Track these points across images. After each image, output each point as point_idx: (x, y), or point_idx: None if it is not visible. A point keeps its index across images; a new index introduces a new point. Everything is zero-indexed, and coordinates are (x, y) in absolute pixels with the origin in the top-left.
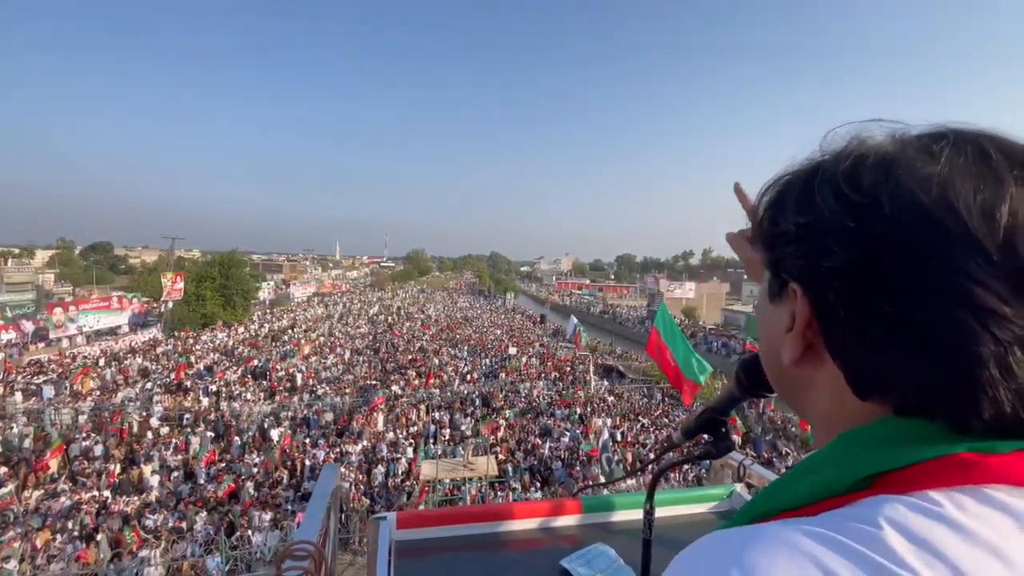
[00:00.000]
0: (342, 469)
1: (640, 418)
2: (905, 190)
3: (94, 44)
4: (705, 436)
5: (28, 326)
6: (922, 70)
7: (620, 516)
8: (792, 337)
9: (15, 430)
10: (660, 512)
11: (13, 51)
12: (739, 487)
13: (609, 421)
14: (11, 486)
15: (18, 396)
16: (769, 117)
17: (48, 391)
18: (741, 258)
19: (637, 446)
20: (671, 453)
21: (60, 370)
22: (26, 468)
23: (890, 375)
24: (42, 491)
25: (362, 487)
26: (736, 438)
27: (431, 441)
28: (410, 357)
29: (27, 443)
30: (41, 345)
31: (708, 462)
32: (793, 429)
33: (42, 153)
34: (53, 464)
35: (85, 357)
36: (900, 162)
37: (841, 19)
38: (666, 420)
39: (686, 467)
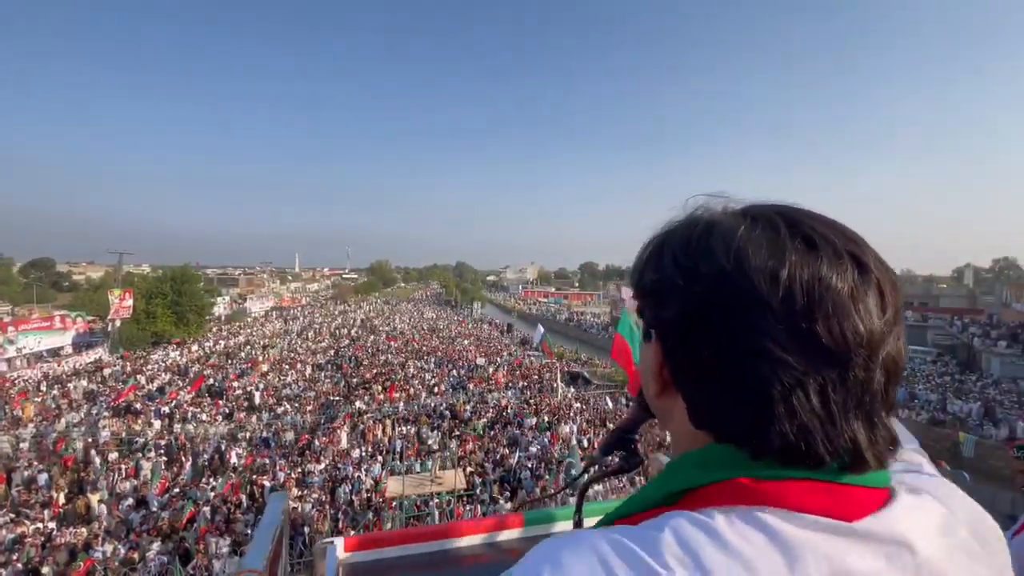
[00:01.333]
0: (304, 491)
1: (607, 423)
2: (715, 256)
3: (26, 45)
4: (619, 452)
5: None
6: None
7: (560, 527)
8: (653, 374)
9: None
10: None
11: None
12: None
13: (576, 427)
14: None
15: None
16: (736, 124)
17: None
18: None
19: None
20: (593, 469)
21: None
22: None
23: (711, 410)
24: None
25: (326, 507)
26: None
27: (397, 456)
28: (375, 371)
29: None
30: None
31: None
32: None
33: None
34: None
35: (25, 380)
36: (715, 232)
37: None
38: None
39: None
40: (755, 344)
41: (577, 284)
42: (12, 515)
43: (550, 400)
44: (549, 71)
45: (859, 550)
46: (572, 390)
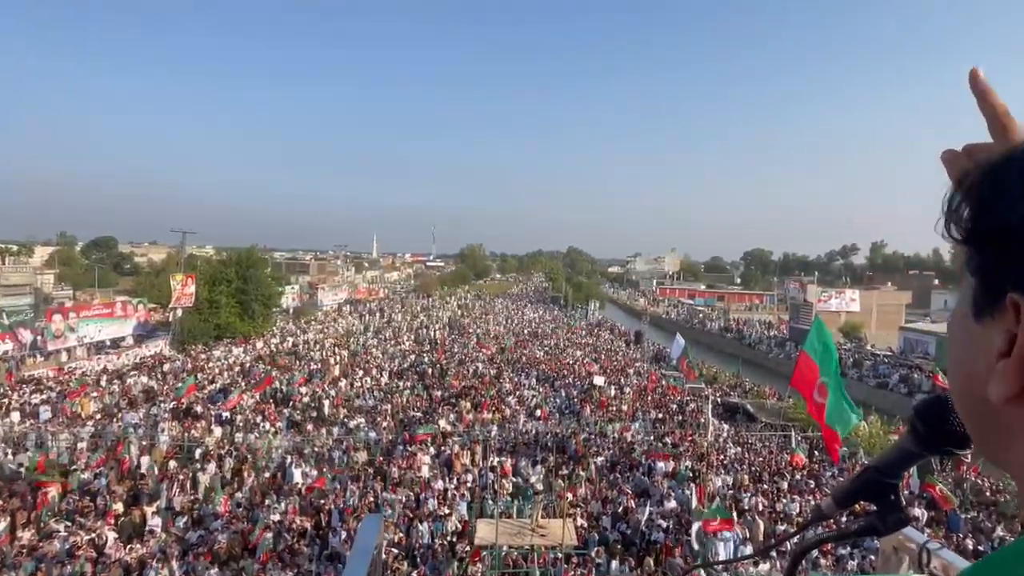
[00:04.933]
0: None
1: (777, 478)
2: None
3: (89, 22)
4: (867, 505)
5: (26, 335)
6: None
7: None
8: (1011, 365)
9: (10, 457)
10: None
11: (7, 37)
12: None
13: (733, 480)
14: (3, 524)
15: (15, 416)
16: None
17: (45, 412)
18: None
19: (773, 516)
20: (818, 527)
21: (59, 388)
22: (19, 503)
23: None
24: (32, 531)
25: (399, 549)
26: (917, 511)
27: (489, 495)
28: (463, 384)
29: (21, 472)
30: (39, 359)
31: (874, 543)
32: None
33: (39, 142)
34: (53, 496)
35: (84, 373)
36: None
37: None
38: (813, 483)
39: (842, 550)
40: None
41: (739, 280)
42: (67, 523)
43: (695, 439)
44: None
45: None
46: (727, 427)
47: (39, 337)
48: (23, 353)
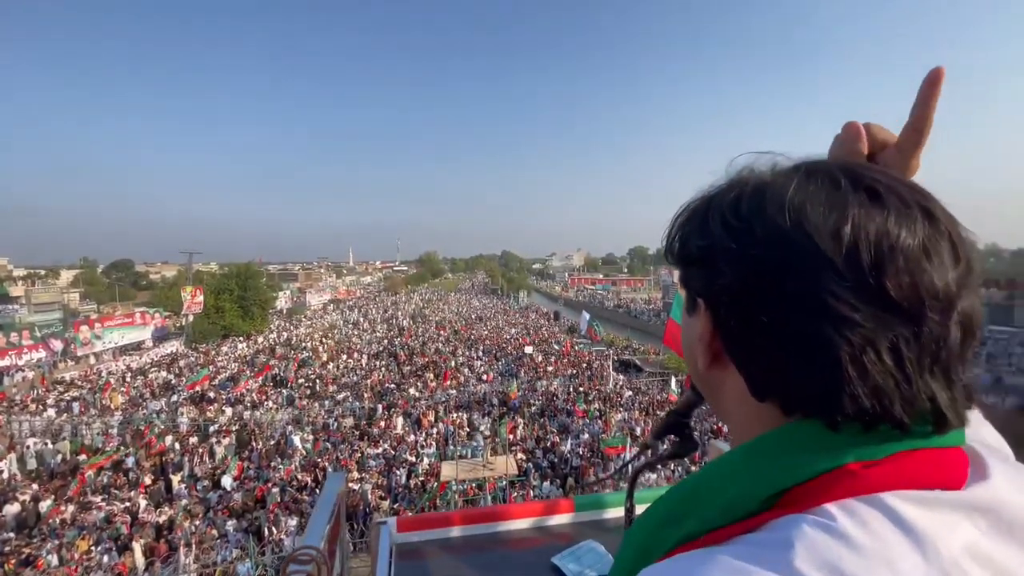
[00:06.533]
0: (363, 473)
1: (659, 411)
2: (769, 216)
3: (98, 56)
4: (673, 438)
5: (57, 344)
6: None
7: (611, 514)
8: (701, 345)
9: (49, 446)
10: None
11: (25, 69)
12: None
13: (628, 415)
14: (49, 501)
15: (51, 412)
16: (784, 104)
17: (76, 407)
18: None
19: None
20: (646, 454)
21: (88, 386)
22: (60, 483)
23: (774, 379)
24: (75, 505)
25: (382, 491)
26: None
27: (450, 442)
28: (427, 360)
29: (59, 458)
30: (70, 363)
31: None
32: None
33: (61, 175)
34: (89, 475)
35: (110, 372)
36: (768, 191)
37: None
38: None
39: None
40: (818, 305)
41: (626, 270)
42: (104, 495)
43: (600, 387)
44: (594, 54)
45: (977, 521)
46: (623, 378)
47: (70, 346)
48: (55, 359)
